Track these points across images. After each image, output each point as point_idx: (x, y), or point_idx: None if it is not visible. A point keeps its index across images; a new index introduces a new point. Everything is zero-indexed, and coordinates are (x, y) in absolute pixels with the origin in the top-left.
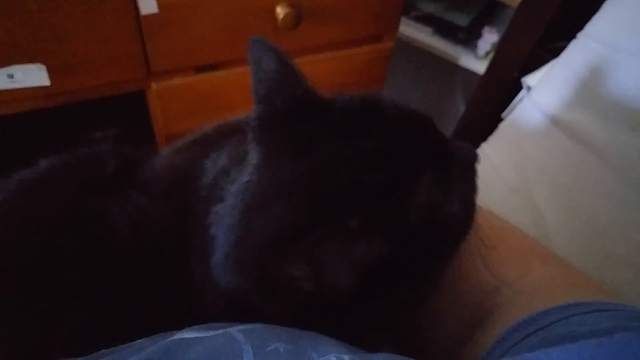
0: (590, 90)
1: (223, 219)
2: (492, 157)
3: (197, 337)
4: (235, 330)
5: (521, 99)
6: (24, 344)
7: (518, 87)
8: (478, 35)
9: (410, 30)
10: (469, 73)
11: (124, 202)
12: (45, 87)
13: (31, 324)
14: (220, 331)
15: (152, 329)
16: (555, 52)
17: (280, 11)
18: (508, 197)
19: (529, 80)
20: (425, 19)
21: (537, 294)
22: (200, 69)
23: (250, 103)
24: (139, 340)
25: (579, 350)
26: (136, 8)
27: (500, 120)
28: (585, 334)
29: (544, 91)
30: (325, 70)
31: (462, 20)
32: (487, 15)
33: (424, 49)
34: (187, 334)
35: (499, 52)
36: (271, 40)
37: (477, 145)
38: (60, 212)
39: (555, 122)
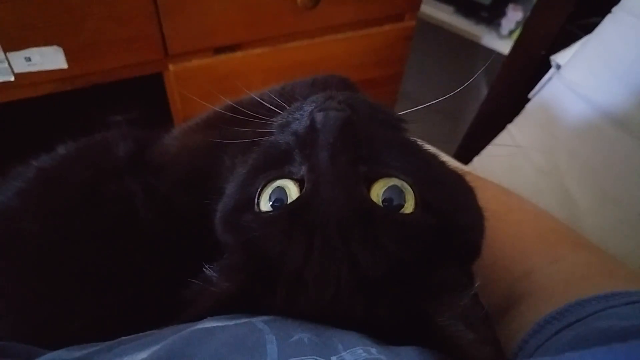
0: (626, 68)
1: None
2: (519, 138)
3: (220, 326)
4: (258, 321)
5: (550, 78)
6: (46, 325)
7: (546, 66)
8: (502, 14)
9: (431, 9)
10: (491, 53)
11: (144, 186)
12: (63, 70)
13: (55, 307)
14: (243, 320)
15: (174, 312)
16: (586, 29)
17: None
18: (536, 180)
19: (559, 58)
20: None
21: (572, 282)
22: (218, 50)
23: (268, 84)
24: (160, 329)
25: (627, 352)
26: None
27: (527, 100)
28: (628, 329)
29: (576, 69)
30: (345, 50)
31: None
32: None
33: (445, 29)
34: (209, 324)
35: (527, 30)
36: (290, 20)
37: (503, 127)
38: (78, 197)
39: (588, 101)
